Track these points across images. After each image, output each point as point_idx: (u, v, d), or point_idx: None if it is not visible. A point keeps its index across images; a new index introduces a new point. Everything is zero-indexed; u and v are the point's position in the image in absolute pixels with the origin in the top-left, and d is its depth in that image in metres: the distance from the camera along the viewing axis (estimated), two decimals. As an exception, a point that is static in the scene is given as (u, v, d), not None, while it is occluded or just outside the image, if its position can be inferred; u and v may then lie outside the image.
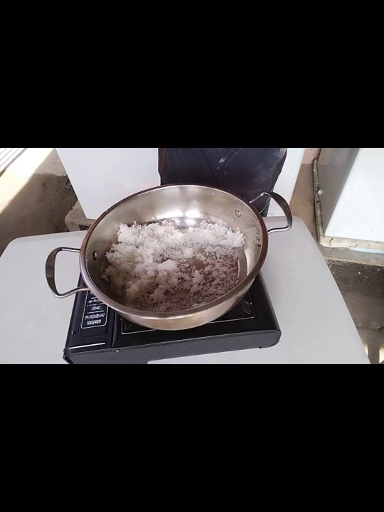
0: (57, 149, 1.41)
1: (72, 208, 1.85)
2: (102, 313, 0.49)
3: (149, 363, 0.52)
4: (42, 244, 0.59)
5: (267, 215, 0.97)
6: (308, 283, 0.64)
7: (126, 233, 0.56)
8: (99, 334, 0.46)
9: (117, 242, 0.57)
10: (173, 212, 0.62)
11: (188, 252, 0.56)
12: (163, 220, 0.61)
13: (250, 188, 0.77)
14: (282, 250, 0.68)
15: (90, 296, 0.52)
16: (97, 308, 0.50)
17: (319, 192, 1.83)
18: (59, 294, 0.42)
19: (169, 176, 0.82)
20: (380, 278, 1.62)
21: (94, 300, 0.51)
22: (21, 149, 2.55)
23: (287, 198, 1.47)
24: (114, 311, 0.48)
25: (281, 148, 0.74)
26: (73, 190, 1.60)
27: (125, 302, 0.49)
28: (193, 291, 0.50)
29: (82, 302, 0.51)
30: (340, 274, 1.64)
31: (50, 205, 2.07)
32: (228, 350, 0.53)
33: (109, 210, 0.54)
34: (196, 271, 0.53)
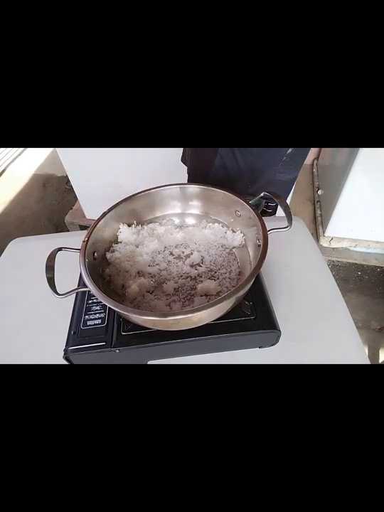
0: (57, 149, 1.41)
1: (72, 208, 1.85)
2: (102, 313, 0.49)
3: (149, 363, 0.52)
4: (42, 244, 0.58)
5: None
6: (308, 283, 0.64)
7: (126, 233, 0.56)
8: (99, 334, 0.46)
9: (117, 242, 0.57)
10: (173, 212, 0.62)
11: (188, 252, 0.56)
12: (163, 219, 0.61)
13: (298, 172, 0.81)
14: (282, 250, 0.68)
15: (90, 296, 0.52)
16: (97, 308, 0.50)
17: (319, 192, 1.83)
18: (59, 294, 0.42)
19: (222, 182, 0.79)
20: (380, 278, 1.62)
21: (94, 300, 0.51)
22: (21, 149, 2.55)
23: (287, 198, 1.46)
24: (114, 311, 0.48)
25: None
26: (73, 190, 1.60)
27: (125, 302, 0.49)
28: (193, 291, 0.50)
29: (82, 302, 0.51)
30: (340, 274, 1.64)
31: (50, 205, 2.07)
32: (228, 350, 0.53)
33: (109, 210, 0.54)
34: (196, 271, 0.53)
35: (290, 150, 0.74)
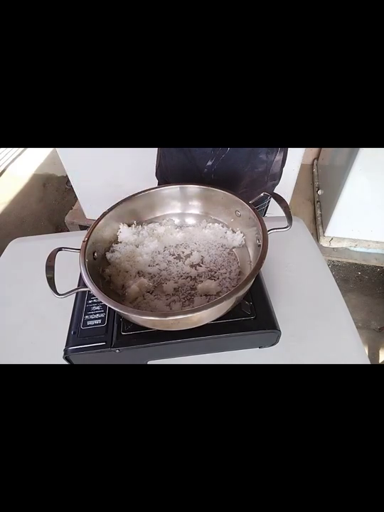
0: (57, 149, 1.41)
1: (72, 208, 1.85)
2: (102, 313, 0.49)
3: (149, 363, 0.52)
4: (42, 244, 0.58)
5: (267, 215, 0.97)
6: (308, 283, 0.64)
7: (126, 233, 0.56)
8: (99, 334, 0.46)
9: (117, 242, 0.57)
10: (173, 212, 0.62)
11: (188, 252, 0.56)
12: (163, 219, 0.61)
13: (236, 191, 0.77)
14: (282, 250, 0.68)
15: (90, 296, 0.52)
16: (97, 308, 0.50)
17: (319, 192, 1.83)
18: (59, 294, 0.42)
19: (162, 174, 0.82)
20: (380, 278, 1.62)
21: (94, 300, 0.51)
22: (21, 149, 2.55)
23: (287, 198, 1.47)
24: (114, 311, 0.48)
25: (268, 153, 0.74)
26: (73, 190, 1.60)
27: (125, 302, 0.49)
28: (193, 291, 0.50)
29: (82, 302, 0.51)
30: (340, 274, 1.64)
31: (50, 205, 2.07)
32: (228, 350, 0.53)
33: (109, 210, 0.54)
34: (196, 271, 0.53)
35: (210, 162, 0.72)
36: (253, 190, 0.81)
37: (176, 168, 0.76)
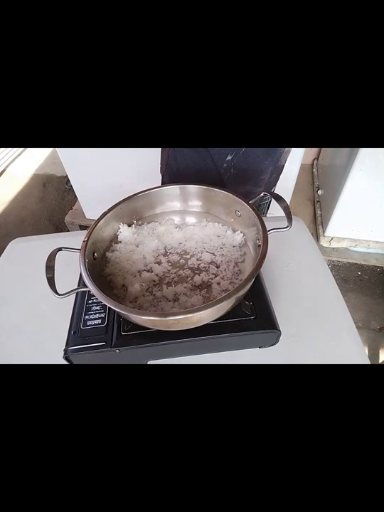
0: (57, 149, 1.41)
1: (72, 208, 1.85)
2: (102, 313, 0.49)
3: (149, 363, 0.52)
4: (42, 244, 0.59)
5: (267, 215, 0.97)
6: (308, 283, 0.64)
7: (126, 233, 0.56)
8: (99, 334, 0.46)
9: (117, 242, 0.57)
10: (173, 212, 0.62)
11: (188, 251, 0.56)
12: (163, 219, 0.61)
13: (257, 186, 0.75)
14: (282, 250, 0.68)
15: (90, 296, 0.52)
16: (97, 308, 0.50)
17: (319, 192, 1.83)
18: (59, 294, 0.42)
19: (172, 175, 0.80)
20: (380, 278, 1.62)
21: (94, 300, 0.51)
22: (21, 149, 2.55)
23: (287, 198, 1.46)
24: (114, 311, 0.48)
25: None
26: (73, 190, 1.60)
27: (125, 302, 0.49)
28: (192, 291, 0.50)
29: (82, 302, 0.51)
30: (340, 274, 1.64)
31: (50, 205, 2.07)
32: (228, 350, 0.53)
33: (109, 210, 0.54)
34: (196, 271, 0.53)
35: (229, 157, 0.70)
36: (273, 187, 0.80)
37: (191, 169, 0.75)
